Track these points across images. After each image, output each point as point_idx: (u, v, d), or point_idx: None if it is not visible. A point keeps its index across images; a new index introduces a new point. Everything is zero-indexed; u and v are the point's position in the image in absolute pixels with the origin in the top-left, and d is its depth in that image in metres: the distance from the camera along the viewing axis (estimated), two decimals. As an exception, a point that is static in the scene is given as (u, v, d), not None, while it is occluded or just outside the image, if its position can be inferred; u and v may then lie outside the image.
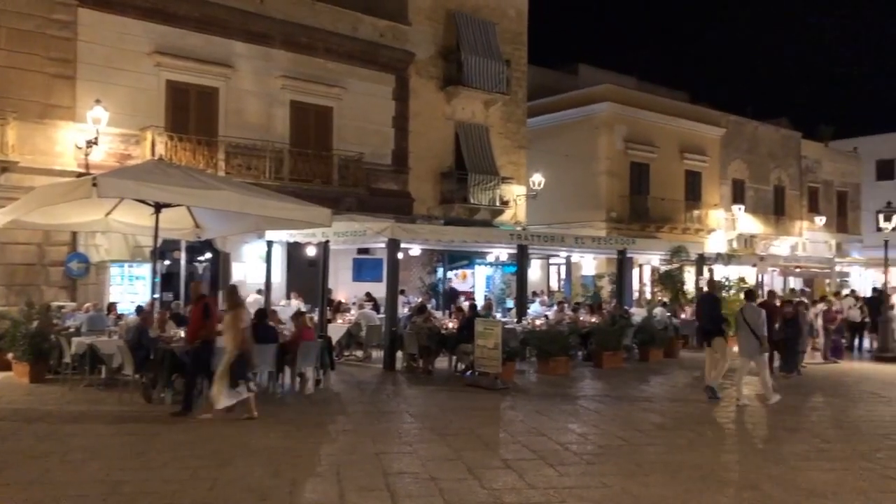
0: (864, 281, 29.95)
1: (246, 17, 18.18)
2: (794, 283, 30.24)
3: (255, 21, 18.33)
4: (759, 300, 14.30)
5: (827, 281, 28.08)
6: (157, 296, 12.55)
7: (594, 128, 27.45)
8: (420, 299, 18.91)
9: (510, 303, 19.74)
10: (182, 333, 10.90)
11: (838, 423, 10.22)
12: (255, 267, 18.27)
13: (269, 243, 16.85)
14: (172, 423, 8.97)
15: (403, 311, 16.57)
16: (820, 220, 36.21)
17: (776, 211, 34.32)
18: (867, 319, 19.44)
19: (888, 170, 43.86)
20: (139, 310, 12.26)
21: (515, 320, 15.72)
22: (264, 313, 11.57)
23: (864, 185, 40.40)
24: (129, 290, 16.22)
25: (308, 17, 19.26)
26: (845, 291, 24.18)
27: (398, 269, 15.40)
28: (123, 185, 9.62)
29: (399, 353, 14.24)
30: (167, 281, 16.73)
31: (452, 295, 21.03)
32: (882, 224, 22.14)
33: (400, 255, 15.86)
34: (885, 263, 21.39)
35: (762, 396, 11.44)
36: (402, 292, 18.49)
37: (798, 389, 12.82)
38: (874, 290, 23.28)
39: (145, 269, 15.90)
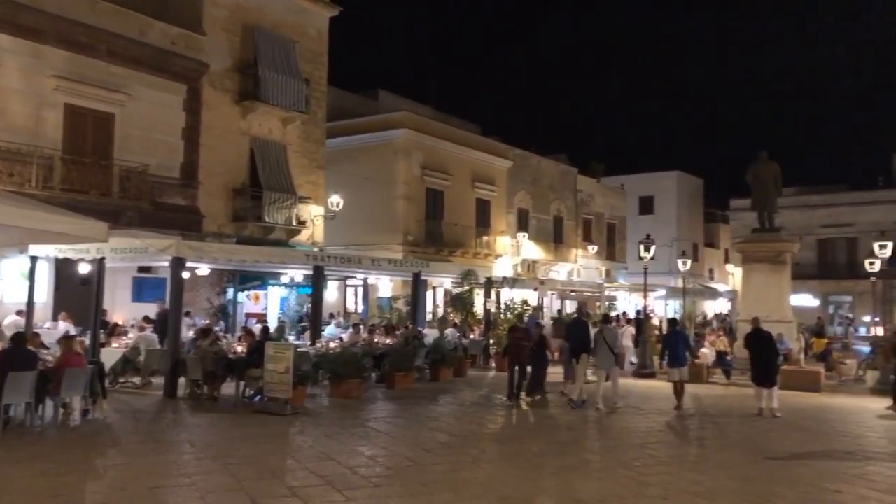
0: (628, 304, 33.24)
1: (13, 6, 16.35)
2: (570, 305, 32.81)
3: (24, 13, 16.54)
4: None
5: (598, 304, 30.76)
6: None
7: (392, 153, 28.00)
8: (207, 321, 17.97)
9: (305, 325, 19.41)
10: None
11: (604, 435, 11.19)
12: (15, 285, 16.30)
13: (34, 259, 15.11)
14: None
15: (188, 334, 15.64)
16: (593, 249, 39.71)
17: (555, 239, 37.12)
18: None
19: (649, 205, 49.44)
20: None
21: (309, 343, 15.45)
22: (22, 337, 10.35)
23: (629, 219, 45.04)
24: None
25: (88, 15, 17.73)
26: (614, 313, 26.66)
27: (182, 290, 14.51)
28: None
29: (182, 380, 13.38)
30: None
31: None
32: (642, 254, 24.75)
33: (186, 275, 14.98)
34: (645, 289, 23.88)
35: (610, 401, 13.23)
36: (188, 314, 17.48)
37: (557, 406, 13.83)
38: (637, 312, 25.96)
39: None
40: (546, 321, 23.05)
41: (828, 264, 42.31)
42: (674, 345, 14.14)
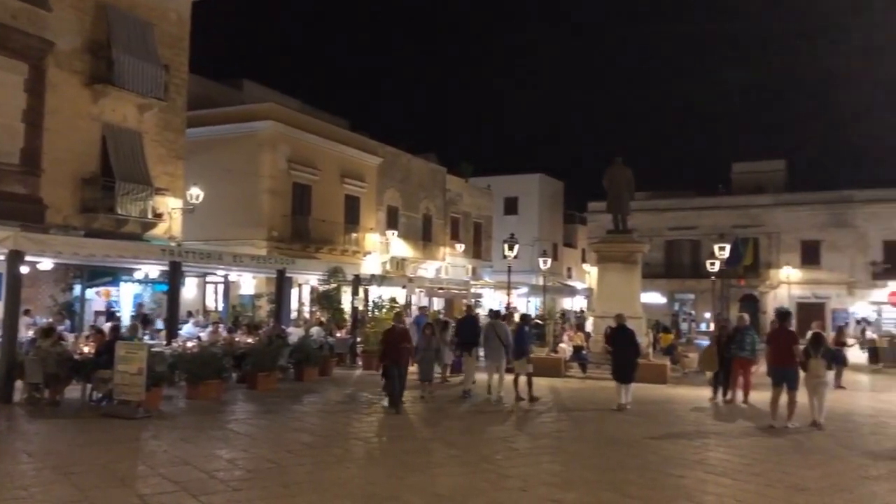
0: (493, 301, 34.15)
1: None
2: (437, 303, 33.25)
3: None
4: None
5: (464, 301, 31.37)
6: None
7: (257, 145, 27.17)
8: (50, 319, 16.62)
9: (160, 324, 18.39)
10: None
11: (468, 430, 11.39)
12: None
13: None
14: None
15: (27, 334, 14.41)
16: (460, 247, 40.46)
17: (424, 237, 37.48)
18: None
19: (513, 206, 50.99)
20: None
21: (165, 342, 14.67)
22: None
23: (494, 218, 46.24)
24: None
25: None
26: (482, 312, 27.25)
27: (20, 286, 13.32)
28: None
29: (19, 383, 12.30)
30: None
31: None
32: (507, 252, 25.57)
33: (25, 269, 13.78)
34: (508, 286, 24.65)
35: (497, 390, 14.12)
36: (27, 312, 16.11)
37: (439, 401, 13.99)
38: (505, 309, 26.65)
39: None
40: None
41: (674, 264, 45.42)
42: (521, 339, 14.61)
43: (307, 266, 22.98)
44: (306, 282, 25.93)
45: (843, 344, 20.24)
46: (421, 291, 29.95)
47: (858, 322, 34.29)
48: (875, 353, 25.47)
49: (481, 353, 15.63)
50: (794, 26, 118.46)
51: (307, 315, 25.71)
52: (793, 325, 14.78)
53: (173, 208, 22.27)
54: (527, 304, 40.44)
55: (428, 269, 36.64)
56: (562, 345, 20.39)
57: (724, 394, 14.70)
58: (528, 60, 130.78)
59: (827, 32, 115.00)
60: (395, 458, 9.15)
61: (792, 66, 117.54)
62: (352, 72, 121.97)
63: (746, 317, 15.52)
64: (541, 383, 16.94)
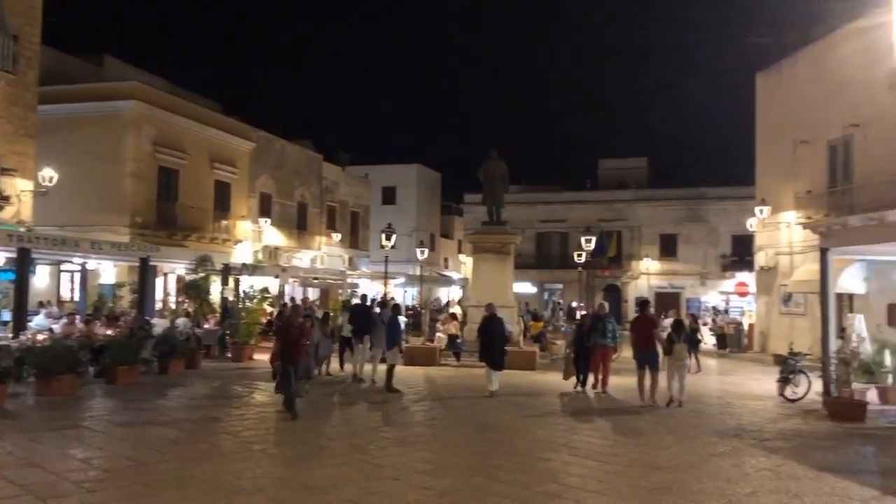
0: (370, 291, 34.00)
1: None
2: (312, 293, 32.72)
3: None
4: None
5: (339, 291, 31.05)
6: None
7: (120, 126, 25.55)
8: None
9: (6, 315, 16.96)
10: None
11: (342, 422, 11.30)
12: None
13: None
14: None
15: None
16: (336, 237, 39.96)
17: (299, 226, 36.70)
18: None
19: (391, 196, 50.94)
20: None
21: (11, 335, 13.55)
22: None
23: (372, 208, 46.03)
24: None
25: None
26: (355, 300, 27.06)
27: None
28: None
29: None
30: None
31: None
32: (384, 242, 25.52)
33: None
34: (385, 276, 24.62)
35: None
36: None
37: (313, 394, 13.77)
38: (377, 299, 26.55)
39: None
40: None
41: (544, 255, 47.09)
42: (392, 329, 14.73)
43: (173, 254, 21.94)
44: (172, 271, 24.77)
45: (696, 330, 21.74)
46: (295, 281, 29.35)
47: (707, 310, 36.98)
48: (723, 340, 27.59)
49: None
50: (644, 40, 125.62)
51: (173, 306, 24.58)
52: (652, 312, 15.74)
53: (23, 190, 20.57)
54: (404, 293, 40.62)
55: (303, 259, 35.95)
56: (438, 334, 20.63)
57: (585, 381, 14.78)
58: (406, 50, 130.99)
59: (693, 50, 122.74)
60: (264, 451, 8.93)
61: (654, 72, 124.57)
62: (227, 54, 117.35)
63: (606, 304, 16.24)
64: (416, 372, 17.13)
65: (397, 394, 13.68)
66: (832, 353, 12.87)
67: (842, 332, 14.93)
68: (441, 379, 16.53)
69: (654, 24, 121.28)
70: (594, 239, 32.60)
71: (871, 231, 16.28)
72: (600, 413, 12.51)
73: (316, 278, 30.64)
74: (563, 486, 7.54)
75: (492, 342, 14.18)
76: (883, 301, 19.26)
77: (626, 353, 16.19)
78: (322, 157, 39.41)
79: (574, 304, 36.00)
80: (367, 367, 15.47)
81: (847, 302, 19.82)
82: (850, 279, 19.23)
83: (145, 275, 17.91)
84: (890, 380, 12.84)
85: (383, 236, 25.93)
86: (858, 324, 17.10)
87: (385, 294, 25.06)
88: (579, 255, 33.92)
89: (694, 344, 17.91)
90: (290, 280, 28.20)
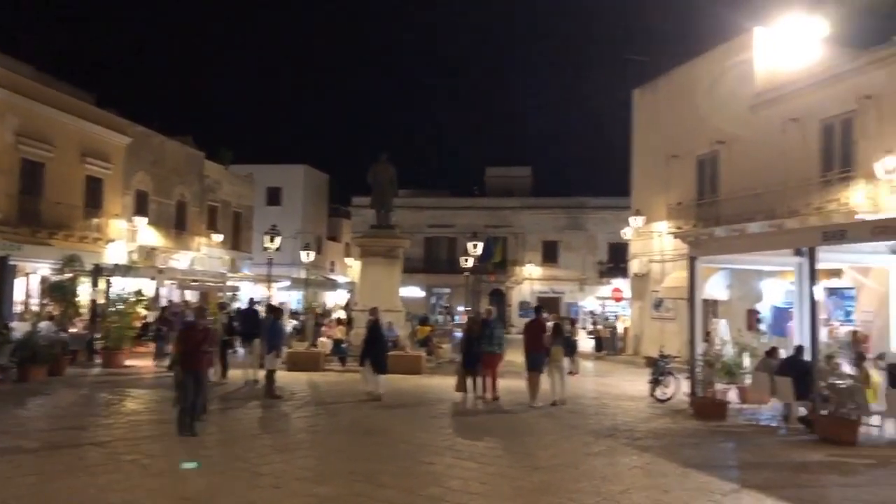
0: (254, 294, 33.03)
1: None
2: (191, 295, 31.41)
3: None
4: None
5: (220, 294, 29.96)
6: None
7: (-22, 113, 23.55)
8: None
9: None
10: None
11: (220, 430, 10.88)
12: None
13: None
14: None
15: None
16: (217, 237, 38.53)
17: (178, 225, 35.10)
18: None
19: (276, 196, 49.76)
20: None
21: None
22: None
23: (256, 209, 44.75)
24: None
25: None
26: (236, 305, 26.20)
27: None
28: None
29: None
30: None
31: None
32: (268, 244, 24.89)
33: None
34: (269, 279, 24.02)
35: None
36: None
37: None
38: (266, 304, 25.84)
39: None
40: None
41: (432, 260, 47.46)
42: (272, 333, 14.50)
43: (37, 253, 20.50)
44: (35, 271, 23.09)
45: (572, 333, 22.58)
46: (172, 283, 28.09)
47: (586, 315, 38.51)
48: (600, 343, 28.82)
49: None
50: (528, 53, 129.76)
51: (35, 308, 22.92)
52: (545, 317, 16.28)
53: None
54: (288, 297, 39.76)
55: (181, 260, 34.40)
56: (322, 339, 20.33)
57: (475, 387, 14.65)
58: (295, 49, 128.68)
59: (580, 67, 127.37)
60: (135, 462, 8.46)
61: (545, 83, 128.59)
62: (103, 44, 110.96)
63: (494, 310, 16.59)
64: (300, 378, 16.80)
65: (278, 399, 13.37)
66: (698, 355, 13.72)
67: (707, 335, 15.97)
68: (325, 384, 16.29)
69: (541, 38, 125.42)
70: (481, 245, 33.18)
71: (734, 241, 17.56)
72: (483, 416, 12.73)
73: (195, 280, 29.46)
74: (446, 489, 7.60)
75: (376, 346, 14.13)
76: (743, 307, 20.74)
77: (511, 356, 16.58)
78: (204, 154, 37.91)
79: (461, 309, 36.51)
80: (260, 372, 14.95)
81: (712, 307, 21.18)
82: (714, 286, 20.60)
83: (3, 275, 16.62)
84: (748, 380, 13.79)
85: (267, 238, 25.26)
86: (722, 328, 18.36)
87: (269, 297, 24.44)
88: (466, 261, 34.42)
89: (571, 346, 18.59)
90: (167, 282, 26.99)
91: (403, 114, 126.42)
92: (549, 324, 15.35)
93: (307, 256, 34.85)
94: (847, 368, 12.42)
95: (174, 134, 35.83)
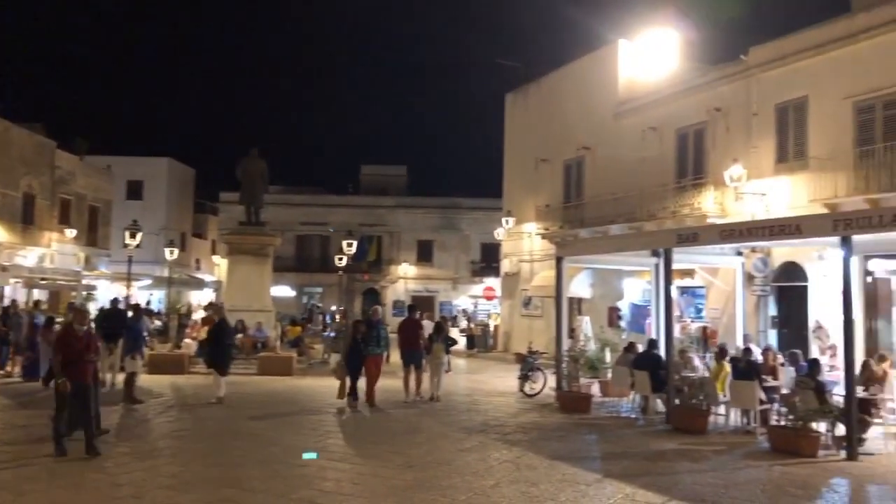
0: (110, 294, 31.06)
1: None
2: (40, 294, 29.11)
3: None
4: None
5: (73, 293, 27.97)
6: None
7: None
8: None
9: None
10: None
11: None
12: None
13: None
14: None
15: None
16: (71, 233, 35.90)
17: (25, 220, 32.40)
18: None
19: (137, 191, 47.01)
20: None
21: None
22: None
23: (115, 203, 42.09)
24: None
25: None
26: (92, 303, 24.54)
27: None
28: None
29: None
30: None
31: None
32: (128, 240, 23.49)
33: None
34: (129, 277, 22.69)
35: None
36: None
37: (41, 405, 12.21)
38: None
39: None
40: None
41: (304, 258, 46.56)
42: (132, 333, 13.98)
43: None
44: None
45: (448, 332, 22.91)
46: (17, 282, 25.91)
47: (461, 313, 39.16)
48: (472, 340, 29.39)
49: None
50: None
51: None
52: (418, 316, 16.43)
53: None
54: (150, 296, 37.71)
55: (28, 257, 31.81)
56: (187, 340, 19.45)
57: (355, 392, 13.65)
58: (160, 37, 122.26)
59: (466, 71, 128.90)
60: (42, 464, 7.72)
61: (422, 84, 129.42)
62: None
63: (380, 309, 16.54)
64: (162, 381, 15.98)
65: (139, 403, 12.65)
66: (564, 351, 14.29)
67: (572, 332, 16.67)
68: (190, 387, 15.56)
69: (417, 38, 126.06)
70: (355, 243, 32.90)
71: (597, 242, 18.47)
72: (356, 416, 12.62)
73: (44, 279, 27.33)
74: (318, 491, 7.47)
75: (217, 346, 13.70)
76: (605, 304, 21.83)
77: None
78: (56, 143, 35.24)
79: (334, 308, 36.06)
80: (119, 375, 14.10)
81: (577, 305, 22.14)
82: (579, 285, 21.55)
83: None
84: (609, 374, 14.52)
85: (127, 234, 23.80)
86: (585, 325, 19.22)
87: (129, 297, 23.02)
88: (340, 259, 34.03)
89: (448, 344, 18.81)
90: (12, 280, 24.89)
91: (275, 109, 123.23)
92: (427, 322, 15.60)
93: (171, 254, 33.19)
94: (698, 362, 13.37)
95: (22, 121, 33.10)
